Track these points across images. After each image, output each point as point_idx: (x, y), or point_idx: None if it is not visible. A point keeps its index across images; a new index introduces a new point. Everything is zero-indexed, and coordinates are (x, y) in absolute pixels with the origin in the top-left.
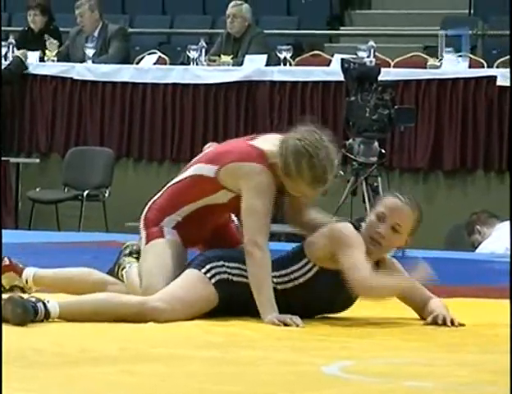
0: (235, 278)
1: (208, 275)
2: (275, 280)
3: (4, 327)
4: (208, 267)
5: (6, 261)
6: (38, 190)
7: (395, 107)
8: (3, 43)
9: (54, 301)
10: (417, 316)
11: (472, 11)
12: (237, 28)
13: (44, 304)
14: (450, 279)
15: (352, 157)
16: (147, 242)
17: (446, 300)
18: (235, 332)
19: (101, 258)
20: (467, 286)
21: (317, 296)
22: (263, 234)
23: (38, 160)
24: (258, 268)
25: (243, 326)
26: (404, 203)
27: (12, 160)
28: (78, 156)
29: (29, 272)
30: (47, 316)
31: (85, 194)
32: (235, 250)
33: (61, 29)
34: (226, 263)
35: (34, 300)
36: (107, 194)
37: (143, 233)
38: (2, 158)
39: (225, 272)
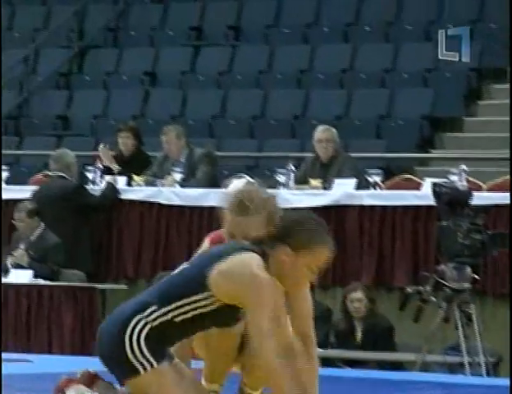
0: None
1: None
2: (176, 311)
3: None
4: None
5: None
6: None
7: (488, 231)
8: (90, 168)
9: None
10: None
11: None
12: (330, 152)
13: None
14: None
15: (444, 282)
16: None
17: None
18: None
19: None
20: None
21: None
22: None
23: (125, 286)
24: None
25: None
26: None
27: (99, 286)
28: None
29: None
30: None
31: None
32: None
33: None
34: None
35: None
36: None
37: None
38: (89, 285)
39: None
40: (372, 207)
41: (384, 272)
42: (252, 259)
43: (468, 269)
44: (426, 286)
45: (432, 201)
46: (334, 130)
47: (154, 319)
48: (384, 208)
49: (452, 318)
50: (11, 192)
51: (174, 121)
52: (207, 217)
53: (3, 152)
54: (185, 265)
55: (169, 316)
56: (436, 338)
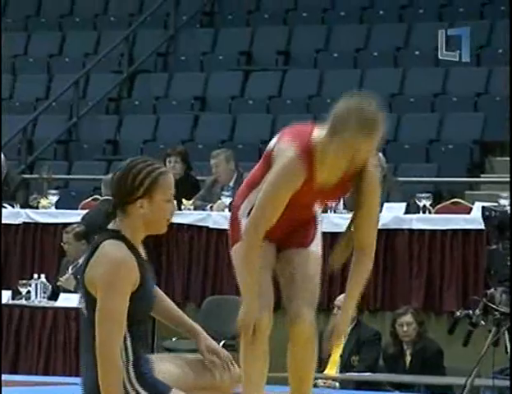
0: None
1: None
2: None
3: None
4: None
5: None
6: (174, 339)
7: None
8: None
9: None
10: None
11: None
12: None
13: None
14: None
15: (494, 306)
16: (232, 243)
17: None
18: None
19: None
20: None
21: None
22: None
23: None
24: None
25: None
26: None
27: None
28: (214, 305)
29: None
30: None
31: (221, 344)
32: None
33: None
34: None
35: None
36: None
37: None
38: None
39: None
40: (422, 231)
41: (433, 296)
42: (103, 249)
43: None
44: (475, 310)
45: (481, 225)
46: (381, 155)
47: (127, 358)
48: (433, 232)
49: (502, 342)
50: (61, 216)
51: (223, 145)
52: None
53: (53, 176)
54: None
55: (126, 344)
56: (486, 362)
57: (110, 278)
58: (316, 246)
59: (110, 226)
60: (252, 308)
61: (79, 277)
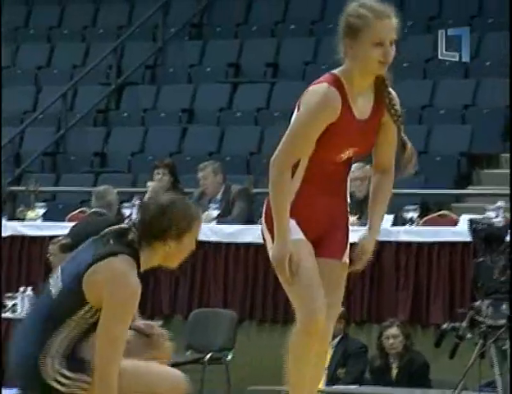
0: None
1: None
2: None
3: None
4: None
5: None
6: None
7: None
8: (127, 205)
9: None
10: None
11: None
12: (365, 190)
13: None
14: None
15: (480, 319)
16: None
17: None
18: None
19: None
20: None
21: None
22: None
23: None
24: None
25: None
26: None
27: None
28: (201, 318)
29: None
30: None
31: (208, 357)
32: None
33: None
34: None
35: None
36: (229, 357)
37: (267, 235)
38: None
39: None
40: (409, 243)
41: (420, 309)
42: (121, 264)
43: (504, 306)
44: (462, 323)
45: (468, 237)
46: (368, 167)
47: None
48: (420, 244)
49: (488, 355)
50: (48, 229)
51: (211, 157)
52: (243, 254)
53: (40, 188)
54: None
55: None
56: (472, 375)
57: (124, 305)
58: (346, 257)
59: (130, 237)
60: (284, 242)
61: (70, 261)
